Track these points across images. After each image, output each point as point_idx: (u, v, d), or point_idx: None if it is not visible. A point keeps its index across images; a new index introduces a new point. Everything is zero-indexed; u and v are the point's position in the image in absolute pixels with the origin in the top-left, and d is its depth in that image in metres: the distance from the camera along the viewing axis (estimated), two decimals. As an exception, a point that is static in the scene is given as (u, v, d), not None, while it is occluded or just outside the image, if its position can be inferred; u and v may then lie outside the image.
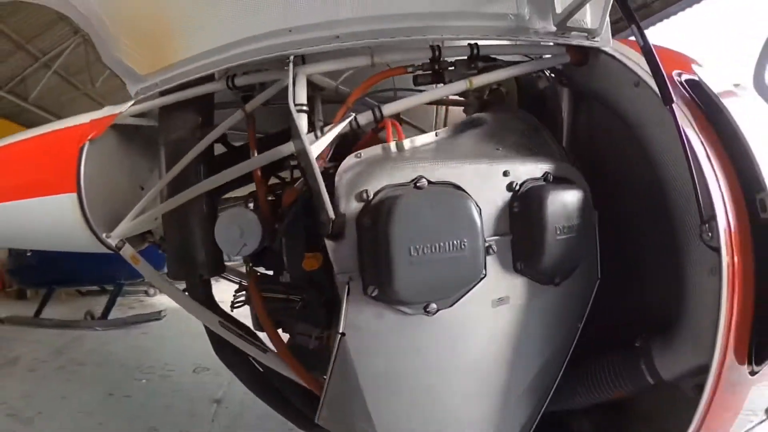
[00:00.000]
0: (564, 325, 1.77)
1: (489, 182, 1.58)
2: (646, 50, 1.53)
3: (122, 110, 2.15)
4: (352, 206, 1.46)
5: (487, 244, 1.52)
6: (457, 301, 1.52)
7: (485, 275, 1.53)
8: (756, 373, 1.53)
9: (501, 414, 1.77)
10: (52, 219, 2.23)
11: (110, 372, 5.62)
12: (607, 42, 1.75)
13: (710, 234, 1.48)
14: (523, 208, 1.57)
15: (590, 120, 2.00)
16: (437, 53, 1.78)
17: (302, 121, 1.68)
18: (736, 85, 2.04)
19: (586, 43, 1.73)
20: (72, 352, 6.38)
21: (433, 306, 1.47)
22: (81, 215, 2.13)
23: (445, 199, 1.49)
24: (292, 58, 1.72)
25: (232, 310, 2.07)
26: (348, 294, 1.44)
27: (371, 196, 1.45)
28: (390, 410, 1.66)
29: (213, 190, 1.91)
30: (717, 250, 1.46)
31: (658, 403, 1.74)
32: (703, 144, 1.58)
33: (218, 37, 1.81)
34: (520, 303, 1.65)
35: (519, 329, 1.68)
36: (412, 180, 1.47)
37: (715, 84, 1.85)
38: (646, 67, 1.64)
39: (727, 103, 1.75)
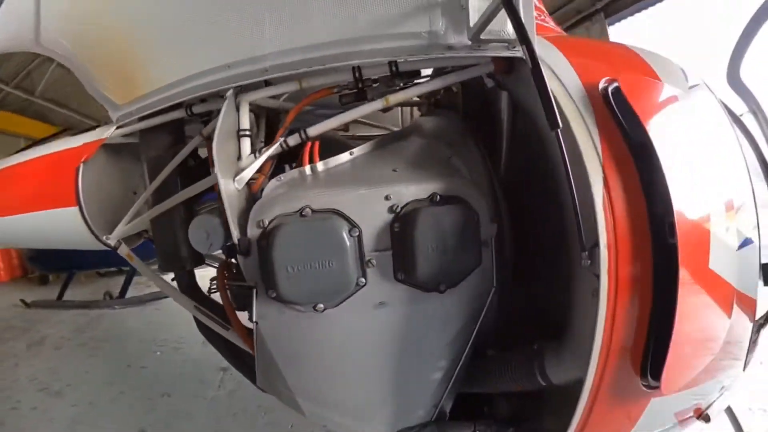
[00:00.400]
0: (456, 326, 1.84)
1: (370, 207, 1.68)
2: (534, 71, 1.45)
3: (109, 133, 2.30)
4: (254, 231, 1.66)
5: (368, 258, 1.67)
6: (340, 303, 1.69)
7: (365, 283, 1.68)
8: (654, 387, 1.55)
9: (399, 397, 1.92)
10: (60, 227, 2.43)
11: (128, 346, 5.94)
12: (527, 52, 1.64)
13: (589, 261, 1.53)
14: (401, 228, 1.66)
15: (525, 126, 1.96)
16: (358, 74, 1.85)
17: (245, 145, 1.90)
18: (693, 87, 1.88)
19: (505, 53, 1.68)
20: (93, 329, 6.69)
21: (321, 306, 1.67)
22: (83, 224, 2.33)
23: (317, 226, 1.64)
24: (230, 91, 1.87)
25: (209, 295, 2.30)
26: (256, 295, 1.69)
27: (266, 224, 1.65)
28: (303, 382, 1.88)
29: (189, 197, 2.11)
30: (597, 276, 1.49)
31: (565, 399, 1.73)
32: (603, 167, 1.54)
33: (175, 73, 1.97)
34: (402, 307, 1.77)
35: (405, 328, 1.79)
36: (299, 209, 1.64)
37: (656, 91, 1.76)
38: (570, 77, 1.67)
39: (660, 115, 1.69)
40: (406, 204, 1.67)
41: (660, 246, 1.50)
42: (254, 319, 1.73)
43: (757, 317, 2.26)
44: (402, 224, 1.66)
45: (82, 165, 2.30)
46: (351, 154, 1.92)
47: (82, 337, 6.41)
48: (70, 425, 4.05)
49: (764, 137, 2.79)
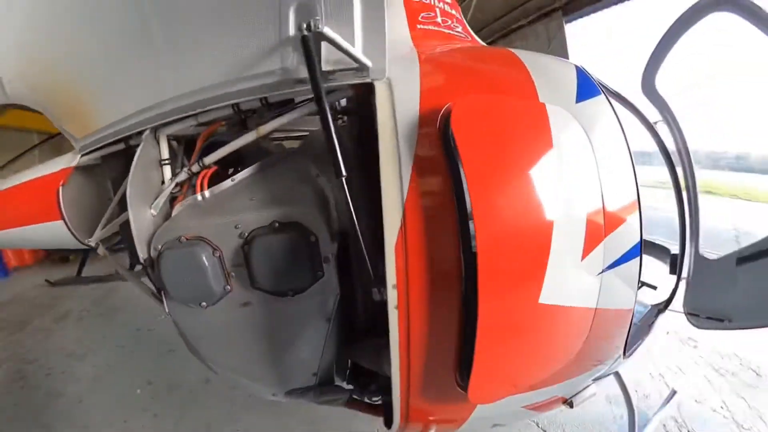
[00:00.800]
0: (310, 321, 2.01)
1: (225, 233, 1.88)
2: (321, 116, 1.50)
3: (77, 161, 2.55)
4: (153, 253, 1.92)
5: (230, 272, 1.90)
6: (216, 303, 1.93)
7: (230, 290, 1.93)
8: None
9: (279, 368, 2.11)
10: (50, 236, 2.72)
11: (138, 313, 6.36)
12: (380, 75, 1.68)
13: (379, 295, 1.68)
14: (248, 250, 1.86)
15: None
16: (236, 109, 2.00)
17: (167, 172, 2.15)
18: (588, 99, 1.85)
19: (356, 80, 1.69)
20: (108, 301, 7.17)
21: (204, 304, 1.92)
22: (68, 232, 2.60)
23: (189, 251, 1.86)
24: (147, 131, 2.09)
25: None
26: (165, 295, 1.97)
27: (159, 249, 1.89)
28: (207, 353, 2.14)
29: None
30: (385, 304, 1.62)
31: None
32: (404, 208, 1.55)
33: (111, 116, 2.16)
34: (262, 306, 1.97)
35: (269, 320, 2.01)
36: (177, 238, 1.89)
37: (504, 113, 1.66)
38: (410, 105, 1.65)
39: (500, 140, 1.60)
40: (252, 231, 1.87)
41: (467, 290, 1.53)
42: (167, 312, 2.03)
43: (656, 303, 2.91)
44: (248, 247, 1.86)
45: (61, 188, 2.55)
46: (233, 180, 2.05)
47: (100, 308, 6.89)
48: (92, 383, 4.67)
49: (677, 147, 2.89)
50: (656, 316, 2.84)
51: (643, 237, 1.79)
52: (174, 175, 2.19)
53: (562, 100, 1.79)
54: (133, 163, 2.01)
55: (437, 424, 2.01)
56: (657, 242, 3.38)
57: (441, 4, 2.74)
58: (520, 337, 1.66)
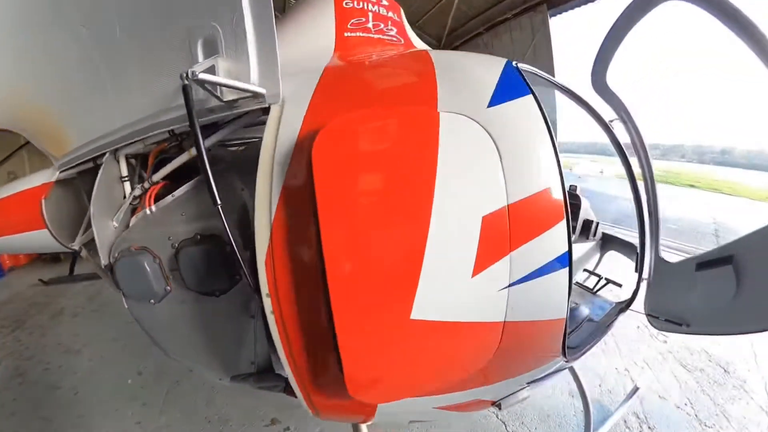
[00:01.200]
0: (238, 318, 2.18)
1: (162, 244, 2.12)
2: (197, 150, 1.63)
3: (56, 176, 2.78)
4: (112, 260, 2.16)
5: (169, 275, 2.13)
6: (160, 301, 2.17)
7: (170, 290, 2.16)
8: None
9: (221, 356, 2.29)
10: (38, 242, 2.91)
11: None
12: (274, 99, 1.79)
13: (262, 305, 1.78)
14: (178, 258, 2.08)
15: None
16: (171, 133, 2.21)
17: (127, 187, 2.39)
18: (504, 102, 1.79)
19: (255, 106, 1.82)
20: (101, 297, 7.36)
21: (152, 301, 2.16)
22: (53, 238, 2.81)
23: (134, 259, 2.10)
24: (107, 154, 2.33)
25: None
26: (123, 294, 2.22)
27: (116, 255, 2.15)
28: (160, 339, 2.35)
29: None
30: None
31: None
32: (272, 228, 1.67)
33: (77, 141, 2.42)
34: (197, 304, 2.16)
35: (205, 315, 2.20)
36: (128, 247, 2.14)
37: (383, 130, 1.65)
38: (292, 128, 1.74)
39: (374, 156, 1.61)
40: (180, 242, 2.11)
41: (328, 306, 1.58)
42: (126, 308, 2.29)
43: (620, 300, 2.96)
44: (178, 256, 2.09)
45: (43, 200, 2.78)
46: (173, 196, 2.20)
47: (93, 304, 7.08)
48: (88, 375, 4.94)
49: (634, 145, 2.85)
50: (617, 315, 2.90)
51: (572, 245, 1.74)
52: (132, 189, 2.42)
53: (469, 106, 1.76)
54: (96, 182, 2.27)
55: (349, 416, 2.15)
56: (623, 239, 3.54)
57: (375, 8, 2.78)
58: (396, 348, 1.65)
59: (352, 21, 2.65)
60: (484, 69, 1.95)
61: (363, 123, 1.65)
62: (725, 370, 4.84)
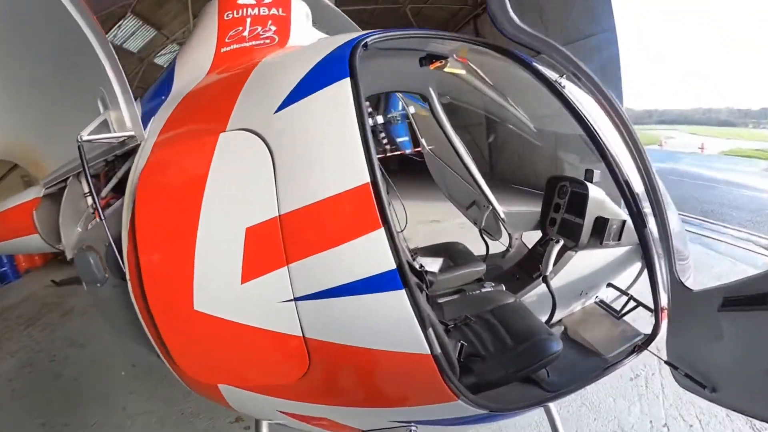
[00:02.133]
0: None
1: (99, 244, 2.24)
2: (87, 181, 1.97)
3: (43, 192, 3.08)
4: (73, 254, 2.50)
5: (105, 266, 2.24)
6: (103, 285, 2.27)
7: (108, 277, 2.24)
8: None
9: (145, 336, 2.23)
10: (29, 245, 3.23)
11: None
12: (141, 137, 2.07)
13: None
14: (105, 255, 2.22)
15: None
16: (106, 161, 2.44)
17: (89, 201, 2.57)
18: (290, 105, 1.72)
19: (133, 144, 2.09)
20: None
21: (98, 285, 2.27)
22: (44, 242, 3.08)
23: (84, 255, 2.29)
24: (70, 178, 2.67)
25: None
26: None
27: (75, 252, 2.45)
28: (116, 323, 2.42)
29: None
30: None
31: None
32: (130, 233, 1.83)
33: (53, 166, 2.86)
34: (124, 287, 2.09)
35: (126, 296, 2.13)
36: (81, 246, 2.39)
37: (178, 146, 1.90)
38: (141, 163, 1.94)
39: (155, 171, 1.83)
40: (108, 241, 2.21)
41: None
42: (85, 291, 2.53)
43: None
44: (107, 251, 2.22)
45: (34, 212, 3.10)
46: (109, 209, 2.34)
47: None
48: (90, 365, 5.46)
49: (589, 90, 2.42)
50: (628, 355, 2.36)
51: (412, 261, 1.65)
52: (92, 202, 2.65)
53: (255, 118, 1.76)
54: (63, 198, 2.69)
55: (205, 393, 2.23)
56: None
57: (255, 11, 2.77)
58: (193, 331, 1.72)
59: (230, 33, 2.68)
60: (299, 64, 1.89)
61: (166, 159, 1.90)
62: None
